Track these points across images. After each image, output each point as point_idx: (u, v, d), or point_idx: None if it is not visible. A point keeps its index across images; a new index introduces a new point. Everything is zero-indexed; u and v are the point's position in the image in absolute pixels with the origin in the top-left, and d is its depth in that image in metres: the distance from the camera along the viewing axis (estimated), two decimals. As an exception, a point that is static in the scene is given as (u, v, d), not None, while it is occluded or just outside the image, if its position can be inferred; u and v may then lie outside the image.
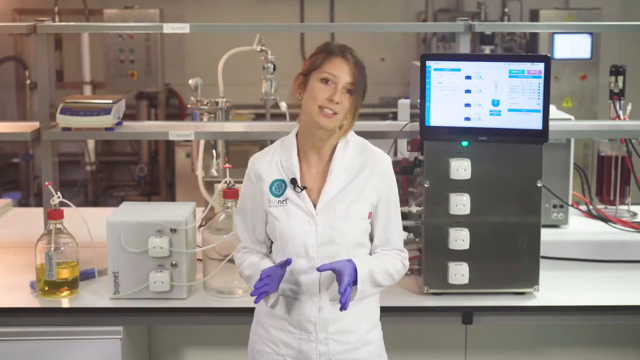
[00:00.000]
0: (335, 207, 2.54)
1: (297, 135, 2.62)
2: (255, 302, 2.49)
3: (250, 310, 2.95)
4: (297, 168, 2.58)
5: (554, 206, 3.74)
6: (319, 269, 2.46)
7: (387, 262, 2.58)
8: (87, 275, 3.20)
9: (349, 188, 2.56)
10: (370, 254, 2.61)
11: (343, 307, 2.42)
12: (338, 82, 2.51)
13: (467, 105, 2.95)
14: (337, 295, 2.50)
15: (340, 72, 2.51)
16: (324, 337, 2.54)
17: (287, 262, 2.49)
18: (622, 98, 3.72)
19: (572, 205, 3.81)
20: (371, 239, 2.62)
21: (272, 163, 2.61)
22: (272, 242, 2.64)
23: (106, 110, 3.38)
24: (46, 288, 3.09)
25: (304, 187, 2.56)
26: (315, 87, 2.53)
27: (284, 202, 2.57)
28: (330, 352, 2.54)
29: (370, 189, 2.57)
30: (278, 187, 2.58)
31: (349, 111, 2.53)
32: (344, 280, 2.43)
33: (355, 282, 2.48)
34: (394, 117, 5.72)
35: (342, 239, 2.53)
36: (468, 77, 2.94)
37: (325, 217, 2.54)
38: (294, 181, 2.56)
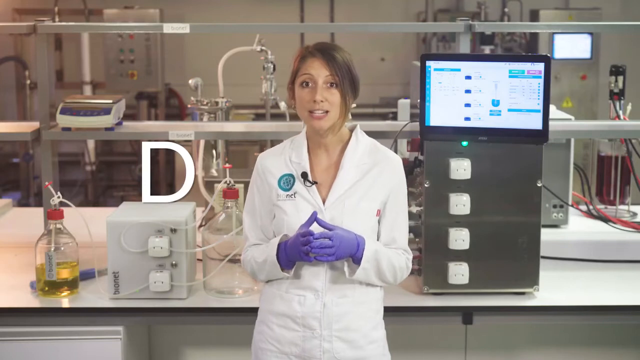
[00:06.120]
0: (344, 203, 2.54)
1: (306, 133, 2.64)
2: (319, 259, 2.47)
3: (250, 310, 2.95)
4: (307, 163, 2.58)
5: (554, 206, 3.74)
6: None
7: (393, 255, 2.59)
8: (87, 275, 3.20)
9: (359, 184, 2.56)
10: None
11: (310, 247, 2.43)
12: (317, 80, 2.50)
13: (467, 105, 2.95)
14: (343, 292, 2.53)
15: (316, 69, 2.51)
16: (328, 334, 2.53)
17: (313, 216, 2.47)
18: (622, 98, 3.71)
19: (572, 205, 3.80)
20: (378, 237, 2.62)
21: (281, 159, 2.62)
22: None
23: (106, 110, 3.38)
24: (46, 288, 3.09)
25: (315, 182, 2.57)
26: (299, 93, 2.54)
27: (293, 196, 2.57)
28: (334, 349, 2.54)
29: (380, 187, 2.58)
30: (287, 182, 2.59)
31: (339, 104, 2.52)
32: (324, 238, 2.43)
33: (358, 261, 2.49)
34: (394, 117, 5.71)
35: None
36: (468, 77, 2.94)
37: (333, 213, 2.54)
38: (304, 175, 2.57)
